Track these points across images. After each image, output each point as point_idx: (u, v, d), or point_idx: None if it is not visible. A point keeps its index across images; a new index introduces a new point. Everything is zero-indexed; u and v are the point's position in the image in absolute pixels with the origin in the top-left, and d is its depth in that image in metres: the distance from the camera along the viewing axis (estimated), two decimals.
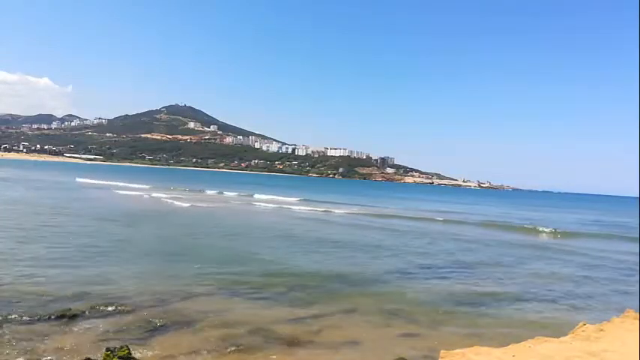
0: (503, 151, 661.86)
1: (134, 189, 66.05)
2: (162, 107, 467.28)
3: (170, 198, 54.02)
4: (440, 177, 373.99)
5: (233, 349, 10.61)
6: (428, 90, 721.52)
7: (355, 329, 12.53)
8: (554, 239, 39.92)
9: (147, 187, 72.57)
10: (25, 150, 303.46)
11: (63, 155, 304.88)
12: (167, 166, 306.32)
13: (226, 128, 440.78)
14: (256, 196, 71.40)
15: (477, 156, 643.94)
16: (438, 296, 16.86)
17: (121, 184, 74.72)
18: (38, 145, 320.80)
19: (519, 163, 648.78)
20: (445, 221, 49.48)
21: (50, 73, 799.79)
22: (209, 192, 73.60)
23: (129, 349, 9.07)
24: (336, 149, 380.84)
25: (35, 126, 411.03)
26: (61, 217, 30.49)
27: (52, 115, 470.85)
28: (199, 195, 66.97)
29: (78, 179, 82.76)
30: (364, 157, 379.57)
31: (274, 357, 10.33)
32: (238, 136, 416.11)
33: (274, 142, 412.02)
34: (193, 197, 59.38)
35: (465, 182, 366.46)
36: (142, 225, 30.63)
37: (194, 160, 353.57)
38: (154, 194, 57.99)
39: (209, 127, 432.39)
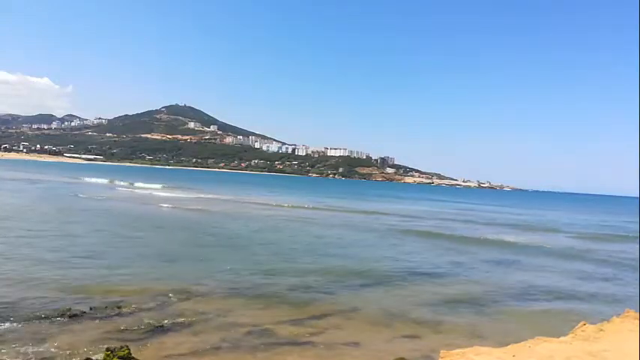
0: (503, 151, 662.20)
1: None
2: (163, 107, 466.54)
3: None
4: (440, 177, 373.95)
5: (233, 349, 10.61)
6: (428, 90, 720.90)
7: (355, 330, 12.54)
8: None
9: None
10: (25, 150, 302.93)
11: (63, 155, 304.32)
12: (167, 166, 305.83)
13: (226, 128, 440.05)
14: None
15: (476, 156, 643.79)
16: (438, 297, 16.88)
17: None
18: (38, 145, 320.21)
19: (520, 163, 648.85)
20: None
21: (50, 73, 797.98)
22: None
23: (129, 349, 9.07)
24: (336, 149, 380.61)
25: (35, 126, 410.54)
26: None
27: (52, 115, 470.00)
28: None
29: None
30: (364, 157, 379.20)
31: (275, 357, 10.33)
32: (238, 136, 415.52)
33: (274, 142, 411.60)
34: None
35: (465, 182, 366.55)
36: None
37: (194, 160, 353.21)
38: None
39: (209, 127, 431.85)
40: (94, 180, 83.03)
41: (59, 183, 71.05)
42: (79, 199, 46.89)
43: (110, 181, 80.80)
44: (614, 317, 11.16)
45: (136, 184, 76.30)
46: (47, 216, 31.11)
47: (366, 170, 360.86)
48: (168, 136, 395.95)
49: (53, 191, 54.19)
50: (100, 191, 59.80)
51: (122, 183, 78.52)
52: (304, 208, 55.72)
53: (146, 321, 11.81)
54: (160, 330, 11.37)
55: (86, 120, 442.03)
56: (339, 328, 12.51)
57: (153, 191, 65.60)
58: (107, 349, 8.97)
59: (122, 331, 11.13)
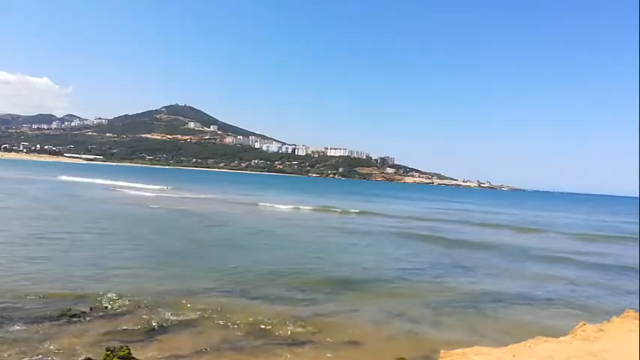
0: (503, 151, 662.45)
1: None
2: (163, 107, 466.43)
3: None
4: (440, 177, 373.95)
5: (233, 349, 10.61)
6: (428, 90, 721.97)
7: (355, 330, 12.54)
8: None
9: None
10: (25, 150, 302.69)
11: (63, 155, 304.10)
12: (167, 166, 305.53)
13: (226, 128, 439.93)
14: None
15: (476, 156, 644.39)
16: (438, 296, 16.88)
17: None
18: (38, 145, 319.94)
19: (520, 163, 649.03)
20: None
21: (50, 73, 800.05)
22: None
23: (129, 349, 9.06)
24: (336, 149, 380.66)
25: (35, 126, 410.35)
26: None
27: (52, 115, 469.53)
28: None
29: None
30: (364, 157, 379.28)
31: (275, 357, 10.33)
32: (238, 136, 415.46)
33: (274, 142, 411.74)
34: None
35: (465, 182, 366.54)
36: None
37: (194, 160, 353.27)
38: None
39: (209, 127, 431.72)
40: (92, 180, 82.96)
41: (57, 183, 71.05)
42: (76, 199, 46.87)
43: (109, 182, 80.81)
44: (614, 317, 11.16)
45: (136, 185, 76.19)
46: (42, 217, 31.07)
47: (366, 170, 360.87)
48: (168, 136, 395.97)
49: (49, 192, 54.14)
50: (99, 192, 59.79)
51: (121, 183, 78.49)
52: (303, 208, 55.68)
53: (146, 321, 11.81)
54: (160, 330, 11.37)
55: (86, 120, 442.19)
56: (339, 328, 12.50)
57: (153, 192, 65.54)
58: (107, 349, 8.97)
59: (122, 331, 11.13)
